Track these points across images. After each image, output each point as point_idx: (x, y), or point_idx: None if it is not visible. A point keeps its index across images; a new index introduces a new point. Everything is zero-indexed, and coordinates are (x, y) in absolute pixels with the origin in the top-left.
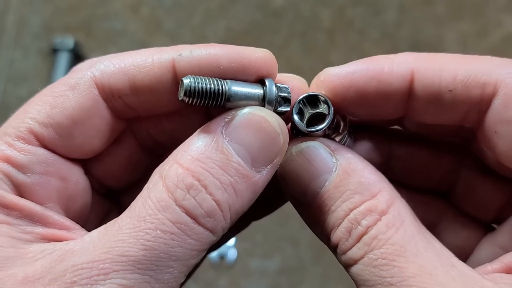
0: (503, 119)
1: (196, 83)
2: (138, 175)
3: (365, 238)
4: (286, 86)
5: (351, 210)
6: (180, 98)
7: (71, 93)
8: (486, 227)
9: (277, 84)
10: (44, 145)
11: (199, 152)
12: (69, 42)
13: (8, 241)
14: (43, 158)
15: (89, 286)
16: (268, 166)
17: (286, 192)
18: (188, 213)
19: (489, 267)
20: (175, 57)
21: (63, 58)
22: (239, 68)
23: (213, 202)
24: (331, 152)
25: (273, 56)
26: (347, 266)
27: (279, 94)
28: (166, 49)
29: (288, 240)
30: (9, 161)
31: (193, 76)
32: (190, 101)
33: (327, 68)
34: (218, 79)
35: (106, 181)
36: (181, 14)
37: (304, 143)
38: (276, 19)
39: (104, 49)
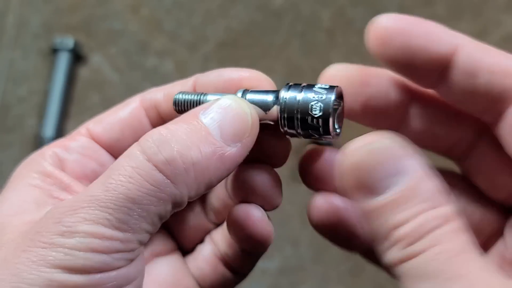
0: None
1: (182, 95)
2: None
3: (430, 236)
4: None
5: (420, 214)
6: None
7: (122, 105)
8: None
9: (249, 98)
10: (92, 137)
11: (174, 123)
12: (69, 42)
13: (33, 199)
14: (87, 145)
15: (59, 218)
16: (238, 144)
17: (345, 183)
18: (149, 159)
19: None
20: (198, 75)
21: (63, 58)
22: (231, 82)
23: (175, 151)
24: (402, 154)
25: (262, 76)
26: (399, 263)
27: (246, 99)
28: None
29: (288, 240)
30: (63, 146)
31: (183, 92)
32: (178, 110)
33: (383, 16)
34: (202, 93)
35: None
36: (181, 14)
37: (376, 142)
38: (276, 19)
39: (104, 49)
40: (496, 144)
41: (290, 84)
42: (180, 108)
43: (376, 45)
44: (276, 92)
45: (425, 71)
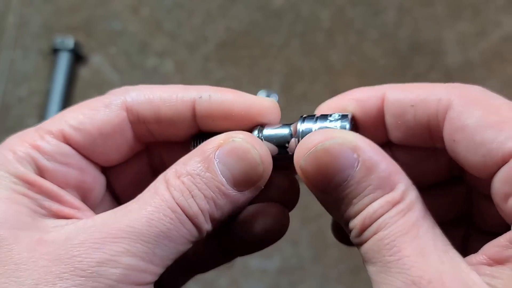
0: (457, 127)
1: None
2: (141, 191)
3: (375, 223)
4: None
5: (371, 203)
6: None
7: (103, 109)
8: None
9: (266, 134)
10: (70, 144)
11: (192, 168)
12: (70, 42)
13: (26, 211)
14: (66, 151)
15: (98, 245)
16: (250, 188)
17: (308, 183)
18: (184, 211)
19: (473, 259)
20: (196, 98)
21: (64, 58)
22: (247, 115)
23: (198, 208)
24: (352, 148)
25: (277, 105)
26: (358, 246)
27: (263, 136)
28: (190, 89)
29: (288, 240)
30: (37, 148)
31: (201, 133)
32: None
33: (323, 103)
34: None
35: (115, 191)
36: (181, 14)
37: (328, 140)
38: (276, 19)
39: (104, 49)
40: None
41: (304, 116)
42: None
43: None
44: (289, 126)
45: (371, 128)
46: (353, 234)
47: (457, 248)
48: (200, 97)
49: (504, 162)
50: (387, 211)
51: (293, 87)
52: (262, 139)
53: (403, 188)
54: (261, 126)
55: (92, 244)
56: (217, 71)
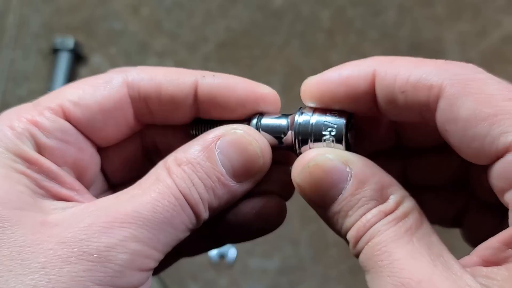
0: (449, 118)
1: (200, 126)
2: (133, 174)
3: (368, 232)
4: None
5: (365, 214)
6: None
7: (103, 85)
8: None
9: (264, 123)
10: (69, 120)
11: (192, 156)
12: (70, 42)
13: (26, 190)
14: (65, 128)
15: (106, 229)
16: (249, 180)
17: (306, 199)
18: (186, 198)
19: (468, 261)
20: (199, 77)
21: (64, 58)
22: (249, 97)
23: (198, 196)
24: (344, 162)
25: (277, 95)
26: (356, 256)
27: (261, 131)
28: (192, 71)
29: (288, 240)
30: (36, 124)
31: (201, 119)
32: (195, 134)
33: (308, 78)
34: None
35: (106, 172)
36: (181, 14)
37: (319, 156)
38: (276, 19)
39: (104, 49)
40: None
41: (303, 108)
42: (197, 132)
43: (312, 99)
44: (287, 117)
45: (361, 107)
46: (350, 246)
47: (456, 215)
48: (203, 76)
49: (497, 157)
50: (379, 220)
51: (293, 87)
52: (260, 128)
53: (397, 198)
54: (260, 114)
55: (99, 228)
56: (217, 71)
